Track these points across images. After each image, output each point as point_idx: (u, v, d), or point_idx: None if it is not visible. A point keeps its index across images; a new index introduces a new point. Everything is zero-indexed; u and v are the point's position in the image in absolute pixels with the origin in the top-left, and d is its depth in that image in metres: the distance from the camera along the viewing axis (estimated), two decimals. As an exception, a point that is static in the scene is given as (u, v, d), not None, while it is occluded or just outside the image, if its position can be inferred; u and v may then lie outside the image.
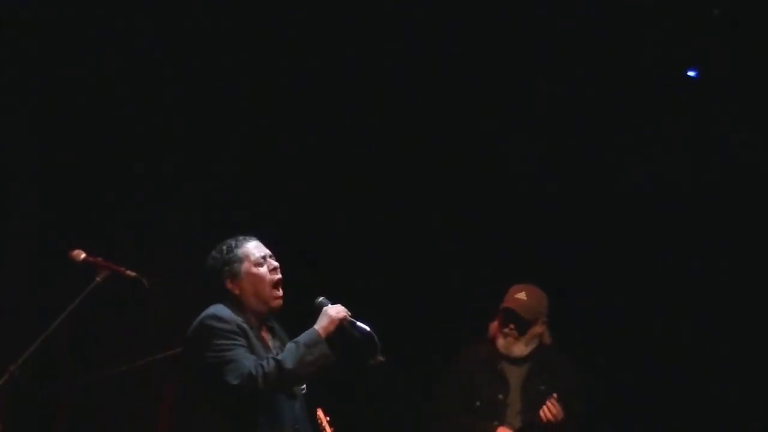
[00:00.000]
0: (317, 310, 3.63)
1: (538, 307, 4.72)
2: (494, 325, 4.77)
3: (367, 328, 3.60)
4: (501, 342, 4.70)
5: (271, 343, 3.70)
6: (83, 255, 3.65)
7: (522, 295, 4.68)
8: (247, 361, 3.46)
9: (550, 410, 4.46)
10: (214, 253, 3.73)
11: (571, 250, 5.92)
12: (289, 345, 3.54)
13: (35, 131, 5.12)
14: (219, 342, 3.50)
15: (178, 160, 5.56)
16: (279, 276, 3.70)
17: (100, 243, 4.75)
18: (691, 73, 5.81)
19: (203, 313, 3.59)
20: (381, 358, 3.56)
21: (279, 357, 3.48)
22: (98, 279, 3.60)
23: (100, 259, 3.64)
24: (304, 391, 3.71)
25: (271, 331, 3.75)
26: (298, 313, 3.78)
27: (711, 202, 5.80)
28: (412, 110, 5.91)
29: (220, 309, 3.60)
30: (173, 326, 5.22)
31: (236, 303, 3.65)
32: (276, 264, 3.72)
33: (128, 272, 3.64)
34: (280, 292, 3.69)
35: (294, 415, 3.61)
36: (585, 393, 4.72)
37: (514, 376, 4.70)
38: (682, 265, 5.83)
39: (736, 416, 5.57)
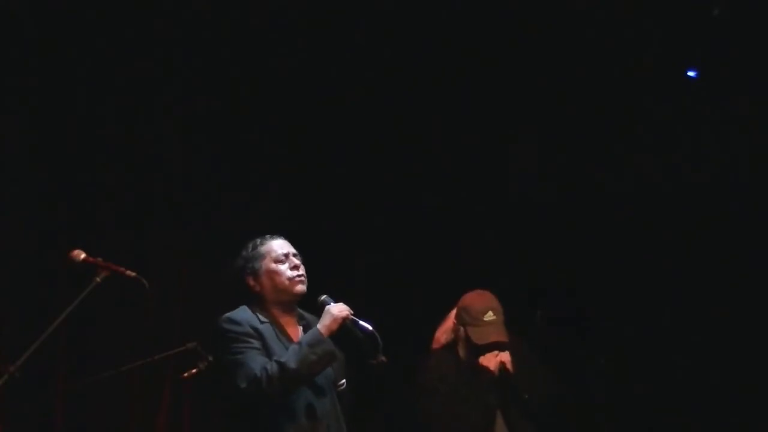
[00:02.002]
0: (320, 309, 3.64)
1: (503, 317, 4.30)
2: (446, 331, 4.41)
3: (370, 327, 3.61)
4: (465, 353, 4.31)
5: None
6: (83, 255, 3.64)
7: (491, 317, 4.23)
8: (255, 364, 3.47)
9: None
10: (241, 252, 3.79)
11: (569, 250, 5.93)
12: (293, 346, 3.55)
13: (35, 131, 5.11)
14: (231, 345, 3.55)
15: (177, 159, 5.55)
16: (300, 273, 3.72)
17: (100, 243, 4.77)
18: (691, 73, 5.81)
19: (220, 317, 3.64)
20: (383, 357, 3.57)
21: (282, 358, 3.48)
22: (98, 279, 3.59)
23: (100, 259, 3.63)
24: (343, 387, 3.72)
25: (304, 326, 3.75)
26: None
27: (709, 203, 5.80)
28: (411, 111, 5.92)
29: (236, 312, 3.65)
30: (173, 326, 5.23)
31: (259, 301, 3.70)
32: (298, 262, 3.74)
33: (128, 272, 3.63)
34: (300, 279, 3.71)
35: (323, 412, 3.61)
36: (546, 366, 4.42)
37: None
38: (679, 265, 5.84)
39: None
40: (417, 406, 4.32)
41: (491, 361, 4.20)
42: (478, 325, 4.24)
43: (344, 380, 3.73)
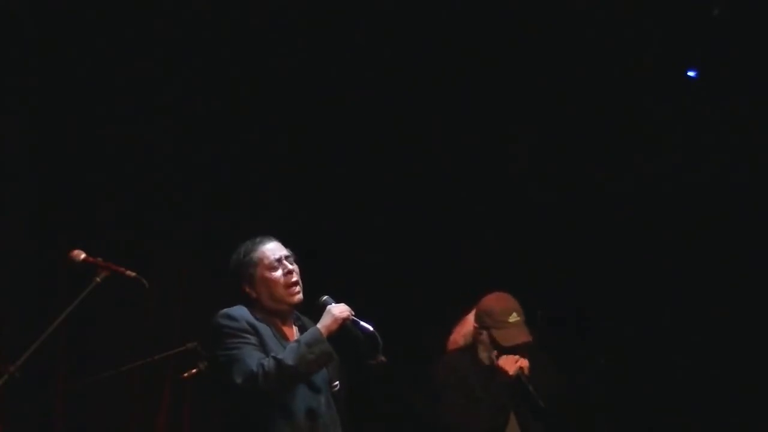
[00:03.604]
0: (321, 309, 3.64)
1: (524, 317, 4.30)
2: (464, 334, 4.37)
3: (370, 328, 3.60)
4: (487, 356, 4.26)
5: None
6: (83, 255, 3.64)
7: (515, 318, 4.20)
8: (251, 360, 3.47)
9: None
10: (233, 256, 3.76)
11: (569, 250, 5.93)
12: (291, 344, 3.55)
13: (35, 131, 5.12)
14: (228, 341, 3.55)
15: (177, 159, 5.55)
16: (294, 279, 3.70)
17: (100, 243, 4.77)
18: (691, 73, 5.81)
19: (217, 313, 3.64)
20: (383, 358, 3.57)
21: (280, 355, 3.48)
22: (98, 279, 3.59)
23: (100, 259, 3.63)
24: (337, 388, 3.71)
25: (301, 328, 3.75)
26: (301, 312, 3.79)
27: (709, 203, 5.80)
28: (411, 111, 5.92)
29: (234, 308, 3.65)
30: (173, 326, 5.23)
31: (256, 306, 3.69)
32: (291, 267, 3.72)
33: (128, 272, 3.63)
34: (296, 289, 3.70)
35: (321, 412, 3.61)
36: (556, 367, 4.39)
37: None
38: (679, 265, 5.84)
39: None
40: (431, 406, 4.29)
41: (511, 365, 4.18)
42: (503, 327, 4.20)
43: (338, 382, 3.72)
